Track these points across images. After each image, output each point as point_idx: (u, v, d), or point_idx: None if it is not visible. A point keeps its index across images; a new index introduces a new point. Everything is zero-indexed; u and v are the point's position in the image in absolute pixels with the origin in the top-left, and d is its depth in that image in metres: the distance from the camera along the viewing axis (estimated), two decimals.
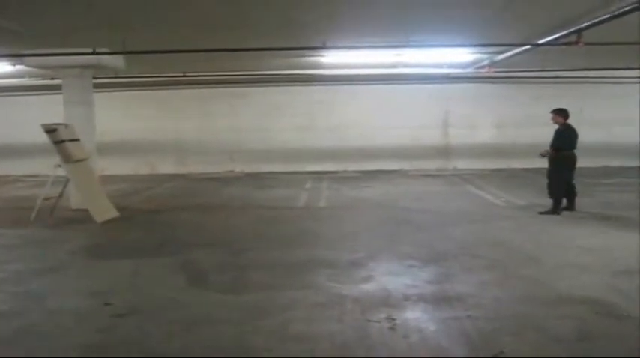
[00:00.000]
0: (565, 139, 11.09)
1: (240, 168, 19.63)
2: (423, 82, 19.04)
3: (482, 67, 15.98)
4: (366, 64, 16.11)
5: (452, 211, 11.72)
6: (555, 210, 11.08)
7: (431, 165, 19.47)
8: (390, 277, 7.07)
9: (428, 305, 5.97)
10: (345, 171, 19.00)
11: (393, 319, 5.55)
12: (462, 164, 19.51)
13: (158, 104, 19.66)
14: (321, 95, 19.37)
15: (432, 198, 13.49)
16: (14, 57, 12.61)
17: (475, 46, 12.78)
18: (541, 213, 11.07)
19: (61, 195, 11.76)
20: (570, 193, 11.28)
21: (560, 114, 11.28)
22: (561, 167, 11.10)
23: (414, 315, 5.69)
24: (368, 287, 6.65)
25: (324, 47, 10.48)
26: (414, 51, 13.42)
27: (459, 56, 15.26)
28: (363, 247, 8.60)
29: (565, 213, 11.10)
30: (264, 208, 12.48)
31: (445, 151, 19.88)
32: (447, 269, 7.38)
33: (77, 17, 9.52)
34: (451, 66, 17.42)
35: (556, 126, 11.30)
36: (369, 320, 5.53)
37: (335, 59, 14.84)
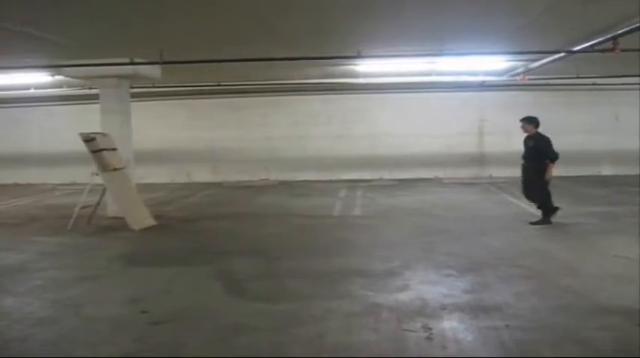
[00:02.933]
0: (542, 147, 10.91)
1: (274, 176, 19.72)
2: (458, 90, 18.97)
3: (517, 74, 15.86)
4: (401, 72, 16.05)
5: (488, 220, 11.63)
6: (549, 217, 10.97)
7: (465, 173, 19.35)
8: (426, 286, 7.02)
9: (465, 315, 5.91)
10: (379, 180, 18.97)
11: (430, 329, 5.51)
12: (498, 172, 19.31)
13: (193, 113, 19.86)
14: (355, 103, 19.41)
15: (468, 207, 13.41)
16: (53, 67, 12.77)
17: (510, 53, 12.68)
18: (533, 223, 10.96)
19: (98, 204, 11.91)
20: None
21: (531, 122, 11.13)
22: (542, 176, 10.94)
23: (451, 325, 5.63)
24: (404, 296, 6.61)
25: (358, 56, 10.49)
26: (449, 59, 13.36)
27: (493, 64, 15.16)
28: (399, 256, 8.56)
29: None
30: (298, 217, 12.49)
31: (480, 159, 19.75)
32: (484, 278, 7.31)
33: (115, 28, 9.64)
34: (486, 74, 17.31)
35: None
36: (406, 330, 5.50)
37: (369, 68, 14.84)
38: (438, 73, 16.81)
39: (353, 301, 6.47)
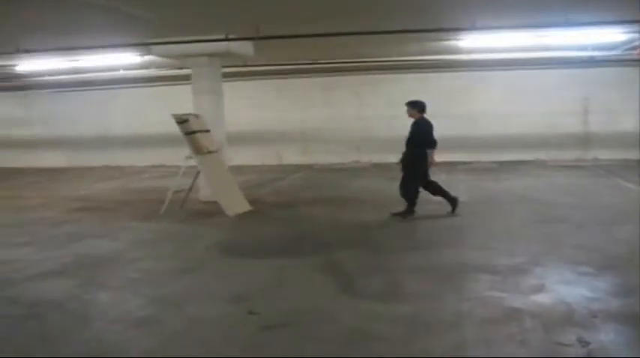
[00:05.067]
0: (422, 134, 10.34)
1: (366, 158, 18.95)
2: (562, 67, 17.72)
3: (634, 48, 14.57)
4: (505, 47, 14.95)
5: (608, 207, 10.62)
6: (411, 210, 10.28)
7: (568, 155, 18.16)
8: (564, 286, 6.16)
9: (621, 325, 5.04)
10: (478, 162, 17.97)
11: (587, 343, 4.67)
12: (603, 154, 18.07)
13: (284, 93, 19.38)
14: (453, 82, 18.38)
15: (581, 192, 12.37)
16: (143, 45, 12.33)
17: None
18: (394, 214, 10.30)
19: (191, 188, 11.46)
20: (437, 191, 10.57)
21: (414, 107, 10.58)
22: (420, 164, 10.33)
23: (609, 337, 4.78)
24: (542, 299, 5.77)
25: (473, 28, 9.57)
26: (562, 32, 12.22)
27: (608, 36, 13.90)
28: (521, 249, 7.73)
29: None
30: (399, 202, 11.71)
31: (584, 140, 18.49)
32: (627, 278, 6.38)
33: (208, 2, 9.08)
34: (596, 48, 16.00)
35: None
36: (559, 343, 4.70)
37: (473, 43, 13.82)
38: (544, 48, 15.63)
39: (485, 304, 5.68)
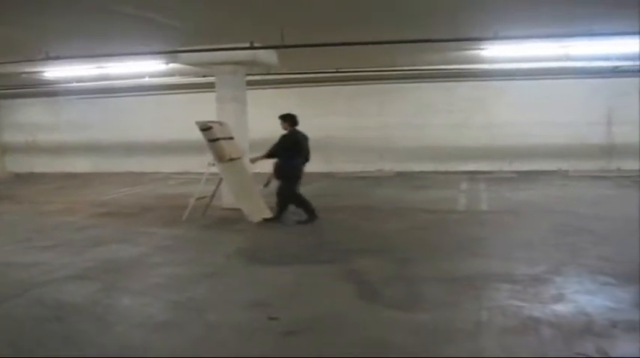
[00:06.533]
0: (282, 146, 10.65)
1: (389, 166, 18.94)
2: (585, 77, 17.60)
3: None
4: (528, 57, 14.89)
5: (633, 219, 10.46)
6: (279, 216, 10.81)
7: (591, 165, 17.95)
8: (585, 296, 6.14)
9: None
10: (500, 172, 17.91)
11: (605, 352, 4.68)
12: (628, 165, 17.86)
13: (307, 101, 19.26)
14: (475, 91, 18.35)
15: (606, 203, 12.27)
16: (172, 53, 12.42)
17: None
18: (265, 220, 10.82)
19: (213, 195, 11.55)
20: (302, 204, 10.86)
21: (286, 120, 10.96)
22: (289, 177, 10.69)
23: (631, 348, 4.79)
24: (562, 308, 5.76)
25: (495, 38, 9.52)
26: (586, 42, 12.13)
27: (632, 46, 13.72)
28: (543, 259, 7.70)
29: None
30: (421, 211, 11.73)
31: (608, 151, 18.32)
32: None
33: (234, 11, 9.16)
34: (620, 58, 15.84)
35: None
36: (577, 354, 4.69)
37: (496, 53, 13.78)
38: (568, 58, 15.52)
39: (504, 313, 5.68)
